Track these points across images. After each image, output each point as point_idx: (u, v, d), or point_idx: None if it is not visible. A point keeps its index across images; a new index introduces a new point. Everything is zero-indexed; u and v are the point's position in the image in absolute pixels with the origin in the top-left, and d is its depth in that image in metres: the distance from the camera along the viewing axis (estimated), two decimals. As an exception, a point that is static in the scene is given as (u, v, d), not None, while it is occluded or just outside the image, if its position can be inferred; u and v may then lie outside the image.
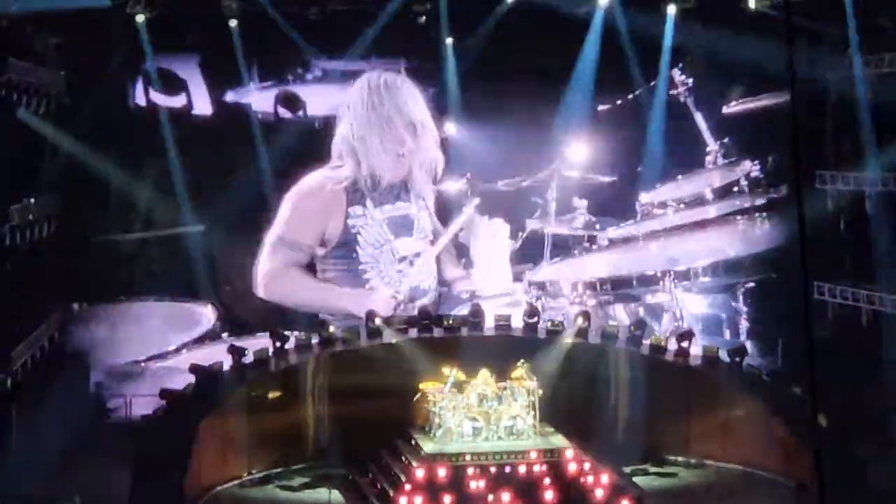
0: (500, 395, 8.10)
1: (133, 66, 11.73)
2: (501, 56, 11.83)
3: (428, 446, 8.00)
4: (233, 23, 11.67)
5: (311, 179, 9.52)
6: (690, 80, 11.41)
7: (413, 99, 9.47)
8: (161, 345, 10.59)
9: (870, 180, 11.07)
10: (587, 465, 7.90)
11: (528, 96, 11.49)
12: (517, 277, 10.19)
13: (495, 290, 9.83)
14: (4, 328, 9.26)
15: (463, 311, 9.23)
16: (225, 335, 10.65)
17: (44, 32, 11.06)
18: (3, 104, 9.93)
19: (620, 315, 10.60)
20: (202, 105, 12.15)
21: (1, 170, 9.52)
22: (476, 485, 7.78)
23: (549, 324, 8.92)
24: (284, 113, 12.32)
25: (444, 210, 10.01)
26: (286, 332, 8.80)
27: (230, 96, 12.23)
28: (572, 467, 7.88)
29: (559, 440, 8.10)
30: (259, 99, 12.27)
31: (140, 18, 11.35)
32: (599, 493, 7.83)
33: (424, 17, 11.81)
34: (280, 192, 9.63)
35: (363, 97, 9.42)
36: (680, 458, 8.73)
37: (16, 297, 9.65)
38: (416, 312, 9.08)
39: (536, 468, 7.87)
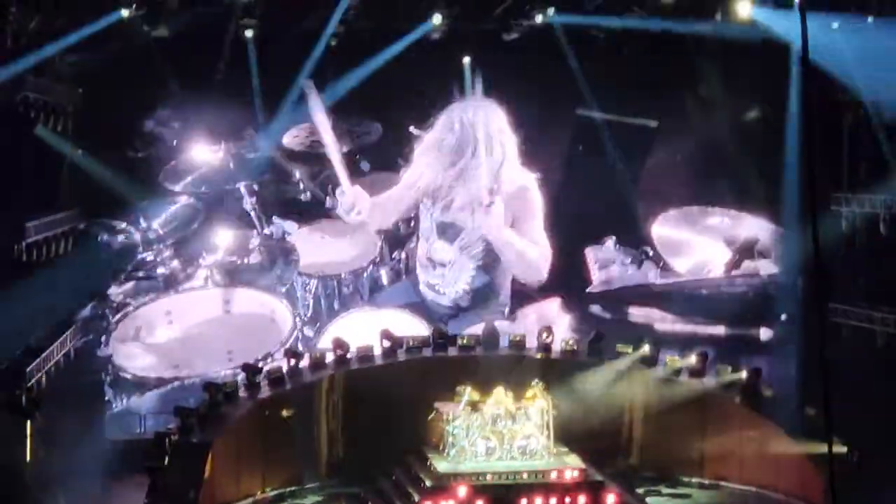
0: (514, 415, 8.10)
1: (150, 86, 11.71)
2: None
3: (441, 465, 8.00)
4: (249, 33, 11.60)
5: None
6: None
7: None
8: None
9: (885, 202, 11.07)
10: (599, 485, 7.90)
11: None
12: None
13: None
14: (21, 344, 9.27)
15: (477, 329, 9.23)
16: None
17: (61, 49, 11.08)
18: (22, 121, 9.97)
19: None
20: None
21: (19, 186, 9.56)
22: (489, 504, 7.79)
23: (563, 344, 8.93)
24: None
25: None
26: (300, 350, 8.84)
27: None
28: (586, 488, 7.88)
29: (573, 460, 8.09)
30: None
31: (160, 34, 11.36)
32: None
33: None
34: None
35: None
36: (694, 480, 8.72)
37: (33, 312, 9.67)
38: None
39: (550, 489, 7.86)
